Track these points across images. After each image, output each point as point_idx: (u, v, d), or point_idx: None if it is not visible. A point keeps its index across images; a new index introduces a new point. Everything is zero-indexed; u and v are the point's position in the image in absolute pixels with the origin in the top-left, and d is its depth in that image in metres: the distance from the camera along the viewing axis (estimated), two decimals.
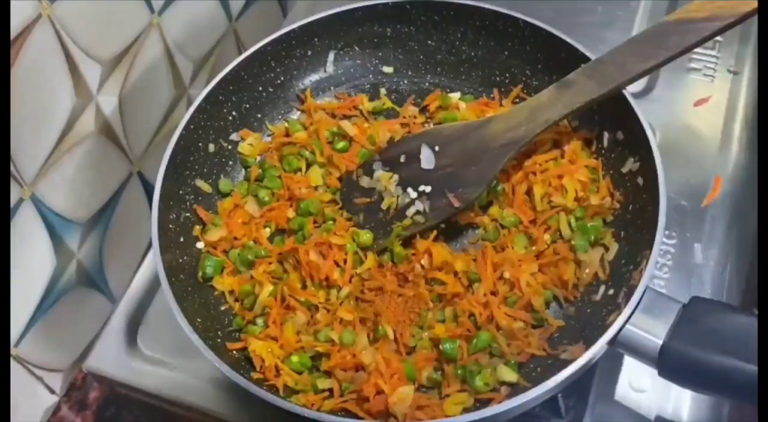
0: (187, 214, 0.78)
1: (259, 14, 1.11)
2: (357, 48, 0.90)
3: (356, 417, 0.66)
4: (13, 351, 0.78)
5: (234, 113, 0.84)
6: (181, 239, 0.76)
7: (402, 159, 0.79)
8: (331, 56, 0.89)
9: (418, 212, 0.77)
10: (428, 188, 0.77)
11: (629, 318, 0.62)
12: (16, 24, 0.68)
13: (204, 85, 0.80)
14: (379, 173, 0.79)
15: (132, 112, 0.88)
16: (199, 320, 0.69)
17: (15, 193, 0.73)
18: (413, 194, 0.77)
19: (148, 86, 0.91)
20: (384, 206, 0.78)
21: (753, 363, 0.57)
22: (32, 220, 0.77)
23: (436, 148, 0.78)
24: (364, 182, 0.80)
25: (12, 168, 0.72)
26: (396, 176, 0.79)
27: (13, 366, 0.79)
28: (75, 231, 0.84)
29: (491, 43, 0.86)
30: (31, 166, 0.75)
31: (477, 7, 0.84)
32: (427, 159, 0.78)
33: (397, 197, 0.78)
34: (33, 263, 0.79)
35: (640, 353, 0.62)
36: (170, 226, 0.75)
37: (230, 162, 0.84)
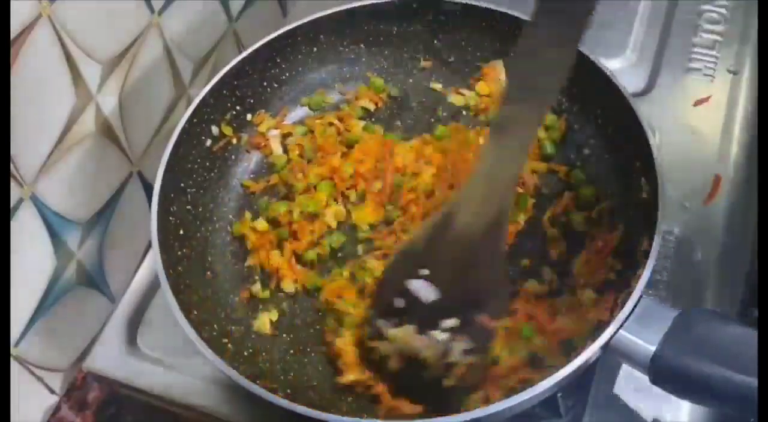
0: (188, 207, 0.78)
1: (259, 14, 1.11)
2: (363, 46, 0.89)
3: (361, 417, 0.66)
4: (13, 351, 0.78)
5: (233, 113, 0.84)
6: (181, 232, 0.76)
7: (401, 304, 0.64)
8: (336, 54, 0.89)
9: (465, 351, 0.63)
10: (452, 321, 0.63)
11: (623, 323, 0.62)
12: (16, 24, 0.68)
13: (204, 85, 0.80)
14: (389, 332, 0.64)
15: (132, 112, 0.88)
16: (195, 312, 0.69)
17: (15, 193, 0.73)
18: (442, 336, 0.63)
19: (148, 86, 0.91)
20: (427, 362, 0.64)
21: (746, 373, 0.55)
22: (32, 220, 0.77)
23: (424, 272, 0.64)
24: (383, 348, 0.65)
25: (12, 168, 0.72)
26: (411, 327, 0.64)
27: (13, 366, 0.79)
28: (75, 231, 0.84)
29: (497, 44, 0.86)
30: (31, 166, 0.75)
31: (484, 8, 0.84)
32: (422, 291, 0.64)
33: (428, 347, 0.63)
34: (33, 263, 0.79)
35: (632, 359, 0.61)
36: (170, 219, 0.75)
37: (228, 162, 0.84)
